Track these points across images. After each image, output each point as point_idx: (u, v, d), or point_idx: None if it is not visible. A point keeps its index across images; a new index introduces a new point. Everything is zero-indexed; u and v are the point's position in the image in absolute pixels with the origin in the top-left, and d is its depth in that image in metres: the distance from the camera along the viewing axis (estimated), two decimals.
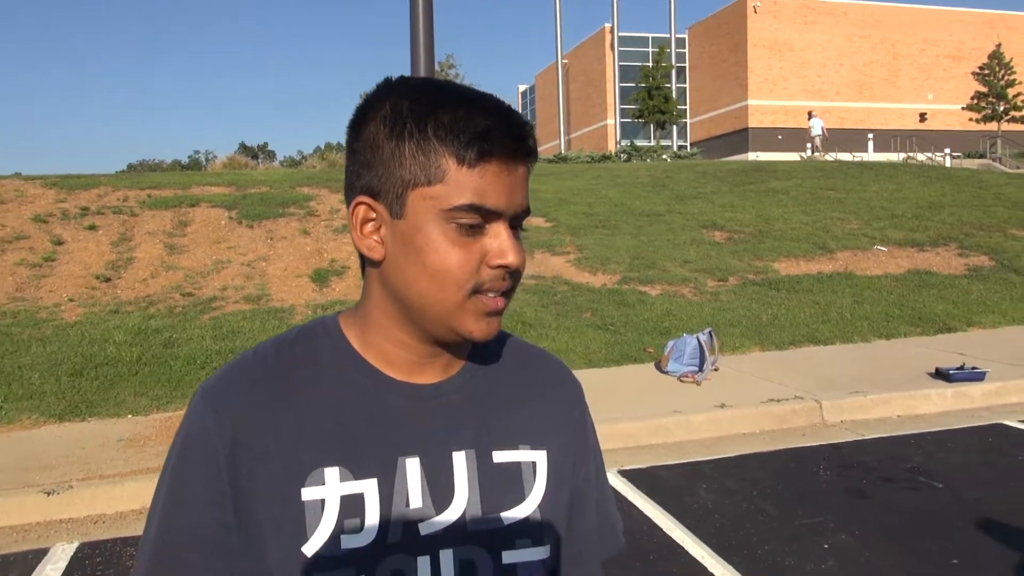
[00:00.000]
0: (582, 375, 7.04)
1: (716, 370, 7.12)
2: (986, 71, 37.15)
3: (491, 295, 0.83)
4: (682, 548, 3.93)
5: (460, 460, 0.89)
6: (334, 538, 0.83)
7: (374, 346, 0.90)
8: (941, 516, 4.21)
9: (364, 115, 0.85)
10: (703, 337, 7.04)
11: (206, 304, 9.11)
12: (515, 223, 0.84)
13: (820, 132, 30.68)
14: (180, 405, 6.38)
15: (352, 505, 0.84)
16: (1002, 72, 36.71)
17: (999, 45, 38.35)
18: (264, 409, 0.86)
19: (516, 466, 0.92)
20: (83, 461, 5.14)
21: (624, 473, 5.06)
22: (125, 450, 5.35)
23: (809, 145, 31.13)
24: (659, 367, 7.26)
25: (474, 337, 0.85)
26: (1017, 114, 36.45)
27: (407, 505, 0.86)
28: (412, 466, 0.87)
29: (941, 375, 6.66)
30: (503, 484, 0.91)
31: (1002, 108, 36.67)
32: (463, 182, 0.80)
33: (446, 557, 0.86)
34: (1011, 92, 36.45)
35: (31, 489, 4.66)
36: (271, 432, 0.85)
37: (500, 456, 0.92)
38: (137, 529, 4.39)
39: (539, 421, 0.97)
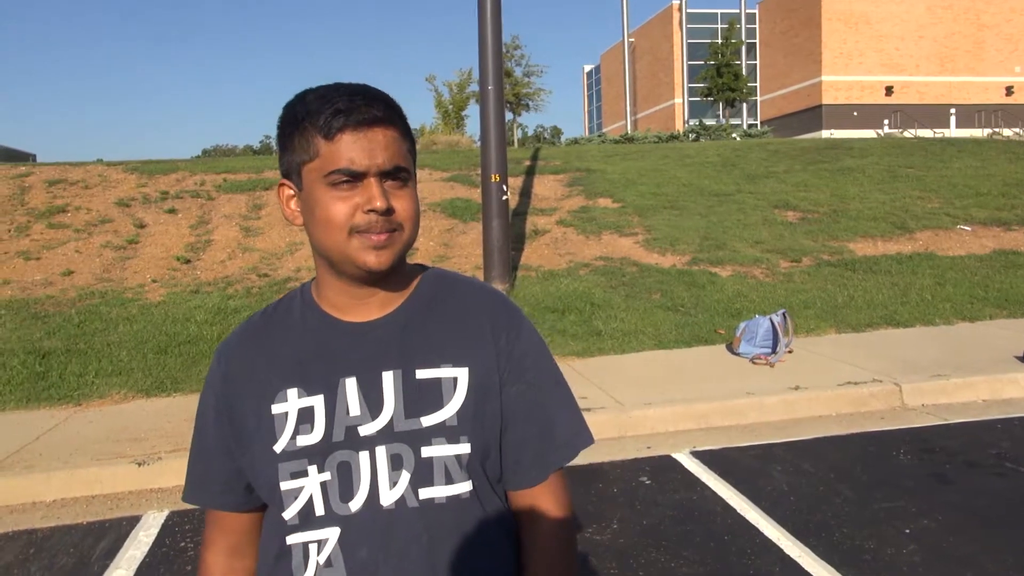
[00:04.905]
0: (652, 355, 7.04)
1: (790, 352, 6.98)
2: None
3: (372, 235, 1.08)
4: (756, 529, 3.89)
5: (388, 378, 1.15)
6: (293, 438, 1.13)
7: (324, 295, 1.20)
8: None
9: (279, 120, 1.13)
10: (776, 318, 6.90)
11: (281, 284, 9.35)
12: (390, 177, 1.09)
13: None
14: None
15: (306, 414, 1.14)
16: None
17: None
18: (247, 352, 1.20)
19: (436, 381, 1.16)
20: (170, 434, 5.36)
21: (696, 454, 5.03)
22: None
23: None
24: (731, 349, 7.16)
25: (369, 267, 1.10)
26: None
27: (348, 413, 1.13)
28: (351, 384, 1.14)
29: None
30: (424, 396, 1.15)
31: None
32: (329, 153, 1.07)
33: (380, 452, 1.13)
34: None
35: (123, 460, 4.89)
36: (251, 368, 1.18)
37: (422, 373, 1.16)
38: None
39: (462, 343, 1.19)
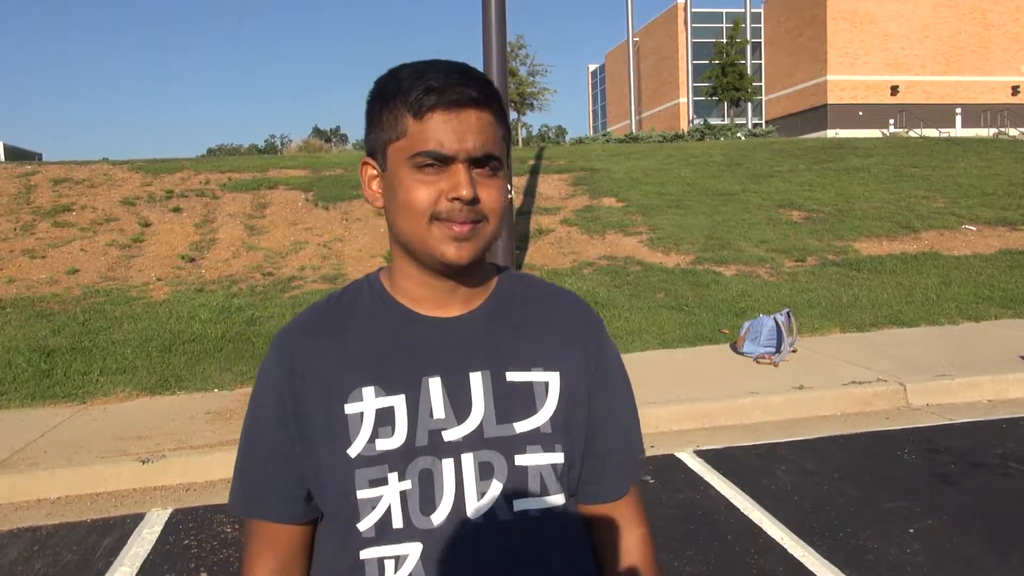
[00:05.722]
0: (655, 355, 7.02)
1: (794, 351, 6.97)
2: None
3: (454, 224, 0.99)
4: (760, 529, 3.88)
5: (476, 379, 1.06)
6: (371, 442, 1.02)
7: (401, 288, 1.10)
8: None
9: (369, 94, 1.06)
10: (781, 318, 6.89)
11: (285, 283, 9.36)
12: (479, 164, 1.00)
13: None
14: None
15: (385, 416, 1.03)
16: None
17: None
18: (313, 345, 1.08)
19: (528, 385, 1.08)
20: (174, 432, 5.37)
21: (700, 453, 5.02)
22: (212, 422, 5.57)
23: None
24: (735, 348, 7.15)
25: (447, 259, 1.01)
26: None
27: (431, 416, 1.04)
28: (434, 384, 1.05)
29: None
30: (516, 399, 1.06)
31: None
32: (417, 133, 0.99)
33: (467, 460, 1.03)
34: None
35: (127, 458, 4.90)
36: (319, 362, 1.07)
37: (513, 376, 1.07)
38: (225, 497, 4.57)
39: (553, 347, 1.11)
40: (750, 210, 12.60)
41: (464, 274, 1.07)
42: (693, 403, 5.63)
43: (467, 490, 1.02)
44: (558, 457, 1.06)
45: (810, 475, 4.59)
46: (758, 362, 6.73)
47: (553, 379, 1.08)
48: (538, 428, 1.05)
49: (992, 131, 32.59)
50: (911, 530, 3.77)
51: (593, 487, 1.14)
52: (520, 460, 1.04)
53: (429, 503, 1.01)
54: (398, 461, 1.01)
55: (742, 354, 6.95)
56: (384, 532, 1.02)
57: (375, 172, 1.07)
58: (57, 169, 13.34)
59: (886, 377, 6.10)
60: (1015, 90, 43.00)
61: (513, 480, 1.03)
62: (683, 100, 48.83)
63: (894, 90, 42.21)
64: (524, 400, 1.06)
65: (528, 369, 1.08)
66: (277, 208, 11.95)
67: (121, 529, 4.18)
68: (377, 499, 1.01)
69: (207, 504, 4.48)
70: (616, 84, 60.07)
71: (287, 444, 1.06)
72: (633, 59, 47.90)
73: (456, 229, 0.99)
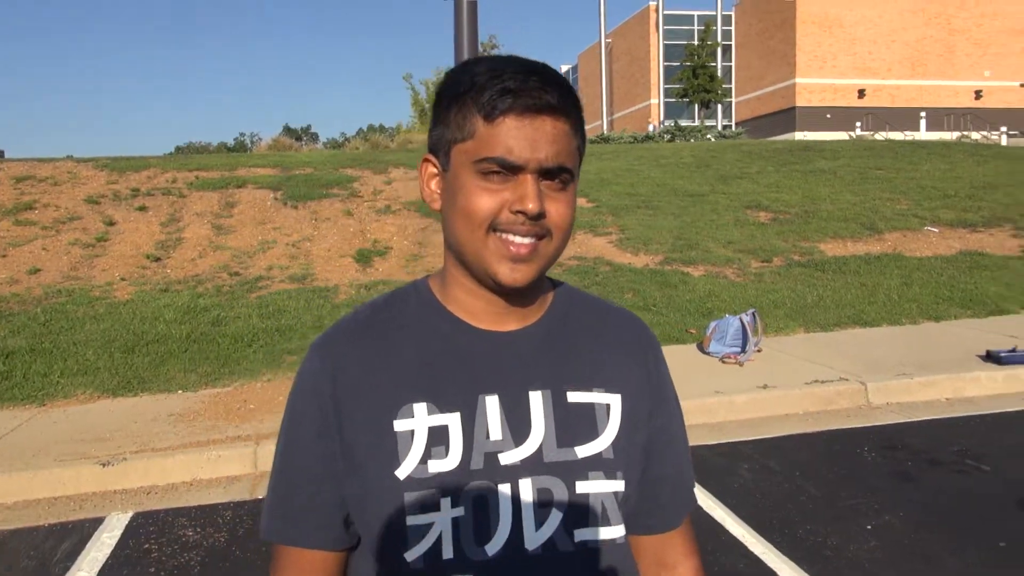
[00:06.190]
0: None
1: (759, 351, 7.04)
2: None
3: (513, 238, 0.92)
4: (722, 527, 3.92)
5: (536, 399, 0.99)
6: (422, 463, 0.94)
7: (453, 297, 1.02)
8: (989, 499, 4.13)
9: (439, 86, 0.99)
10: (746, 318, 6.96)
11: (252, 283, 9.27)
12: (550, 176, 0.92)
13: None
14: (228, 382, 6.53)
15: (438, 435, 0.95)
16: None
17: None
18: (360, 353, 0.99)
19: (590, 406, 1.01)
20: (136, 434, 5.29)
21: None
22: (176, 424, 5.50)
23: None
24: (701, 348, 7.21)
25: (500, 280, 0.93)
26: None
27: (487, 437, 0.96)
28: (491, 403, 0.97)
29: (992, 358, 6.50)
30: (577, 421, 0.99)
31: None
32: (486, 137, 0.91)
33: (525, 485, 0.95)
34: None
35: (87, 461, 4.82)
36: (366, 373, 0.98)
37: (574, 396, 1.01)
38: (188, 500, 4.53)
39: (613, 367, 1.05)
40: (718, 211, 12.72)
41: (519, 295, 1.00)
42: None
43: (525, 518, 0.94)
44: (620, 485, 1.00)
45: (772, 473, 4.64)
46: (724, 362, 6.80)
47: (615, 401, 1.03)
48: (600, 453, 0.99)
49: (955, 134, 33.20)
50: (869, 527, 3.84)
51: (646, 518, 1.08)
52: (582, 487, 0.97)
53: (484, 532, 0.93)
54: (451, 485, 0.94)
55: (708, 354, 7.01)
56: (433, 563, 0.93)
57: (435, 171, 0.99)
58: (19, 166, 13.09)
59: (848, 376, 6.19)
60: (978, 94, 43.82)
61: (574, 508, 0.96)
62: (655, 101, 49.11)
63: (861, 93, 42.83)
64: (586, 422, 1.00)
65: (590, 389, 1.02)
66: (245, 207, 11.83)
67: (80, 533, 4.11)
68: (427, 526, 0.93)
69: (168, 507, 4.43)
70: (588, 85, 60.28)
71: (328, 458, 0.97)
72: (605, 60, 48.16)
73: (513, 248, 0.92)
